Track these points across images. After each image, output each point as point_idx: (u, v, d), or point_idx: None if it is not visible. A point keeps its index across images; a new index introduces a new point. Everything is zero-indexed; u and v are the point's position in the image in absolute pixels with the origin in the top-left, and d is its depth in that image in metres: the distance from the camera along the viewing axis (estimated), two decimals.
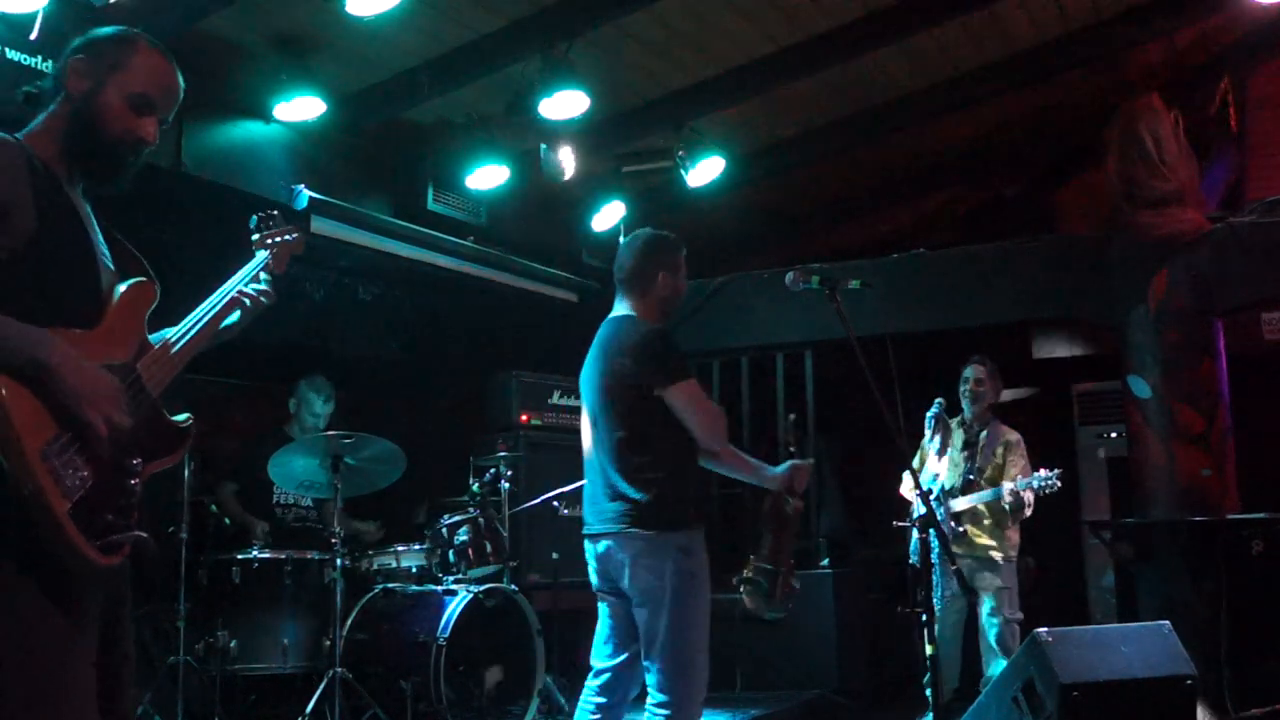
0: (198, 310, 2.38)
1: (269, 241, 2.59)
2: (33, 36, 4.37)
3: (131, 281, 2.25)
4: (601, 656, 3.66)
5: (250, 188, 5.52)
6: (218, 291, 2.42)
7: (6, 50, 4.46)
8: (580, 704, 3.67)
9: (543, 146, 6.01)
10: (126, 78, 2.25)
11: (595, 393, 3.66)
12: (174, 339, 2.30)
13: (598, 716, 3.59)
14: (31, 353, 1.94)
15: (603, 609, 3.69)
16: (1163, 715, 4.21)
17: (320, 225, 5.81)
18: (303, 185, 5.74)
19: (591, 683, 3.66)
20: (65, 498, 1.93)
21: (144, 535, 2.10)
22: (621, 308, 3.76)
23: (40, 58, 4.47)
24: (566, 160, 6.13)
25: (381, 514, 5.98)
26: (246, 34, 5.17)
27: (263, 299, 2.45)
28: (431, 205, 6.39)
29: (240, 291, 2.43)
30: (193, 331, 2.32)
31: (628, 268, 3.76)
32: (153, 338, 2.30)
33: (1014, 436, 5.89)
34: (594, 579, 3.69)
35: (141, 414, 2.15)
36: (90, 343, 2.08)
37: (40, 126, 2.24)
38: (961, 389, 5.93)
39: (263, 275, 2.52)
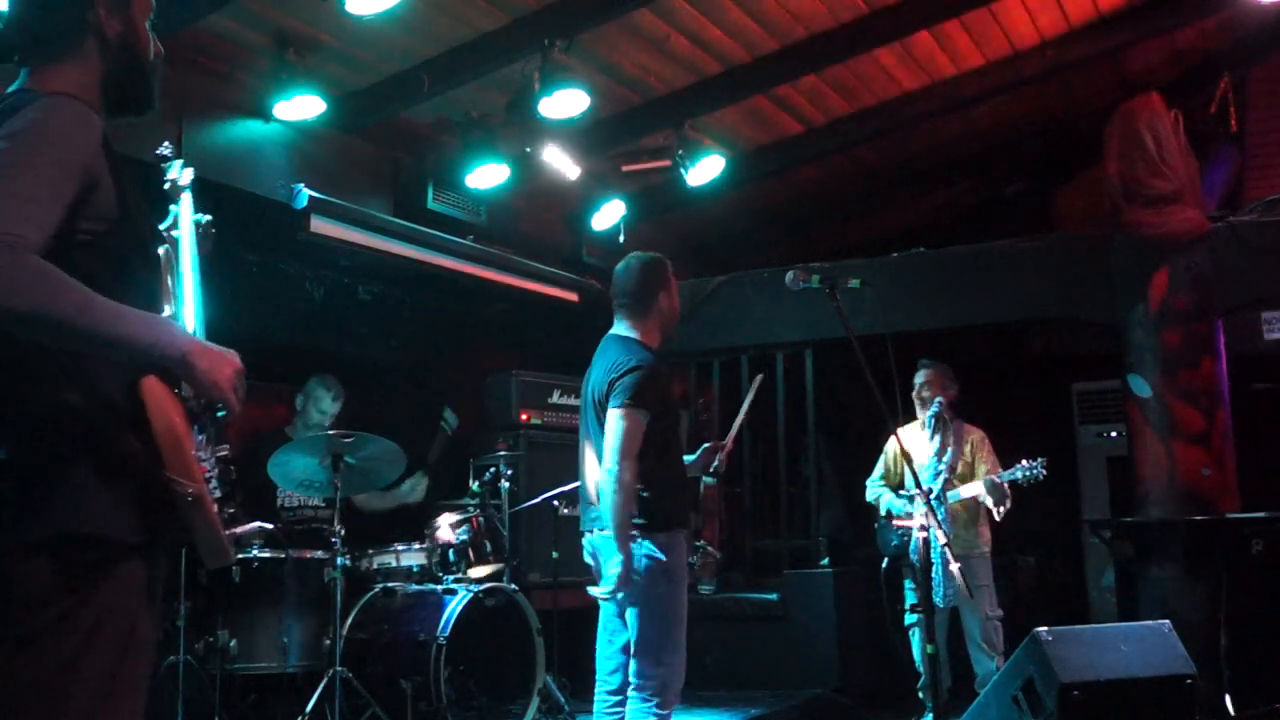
0: (185, 285, 2.21)
1: (184, 184, 2.41)
2: None
3: (161, 251, 2.12)
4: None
5: (250, 187, 5.51)
6: (185, 256, 2.25)
7: None
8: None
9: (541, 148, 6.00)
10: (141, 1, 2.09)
11: (588, 403, 3.84)
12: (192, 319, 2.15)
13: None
14: (179, 345, 1.84)
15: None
16: (1162, 715, 4.21)
17: (320, 225, 5.79)
18: (303, 185, 5.73)
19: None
20: (213, 499, 1.93)
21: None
22: (620, 327, 3.88)
23: None
24: (565, 161, 6.13)
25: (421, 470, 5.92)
26: (246, 33, 5.16)
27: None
28: (431, 205, 6.38)
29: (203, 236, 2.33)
30: (198, 304, 2.19)
31: (629, 291, 3.87)
32: None
33: (978, 434, 5.92)
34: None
35: None
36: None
37: (67, 80, 1.95)
38: (922, 395, 5.92)
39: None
